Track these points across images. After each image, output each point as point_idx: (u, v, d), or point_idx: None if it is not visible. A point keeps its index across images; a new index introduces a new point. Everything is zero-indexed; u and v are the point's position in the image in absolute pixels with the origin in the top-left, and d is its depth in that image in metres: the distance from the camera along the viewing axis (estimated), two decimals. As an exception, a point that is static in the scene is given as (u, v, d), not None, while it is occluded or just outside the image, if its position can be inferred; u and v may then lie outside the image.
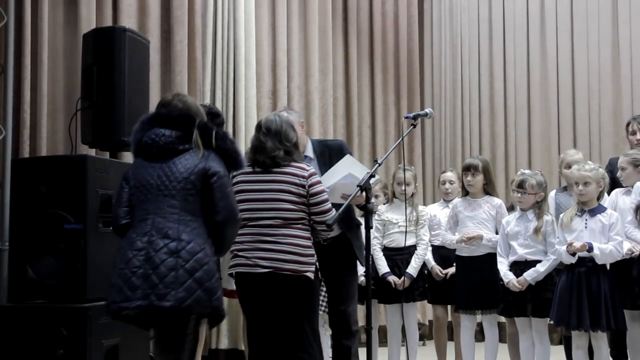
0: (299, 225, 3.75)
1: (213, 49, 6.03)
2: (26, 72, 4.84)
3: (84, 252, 3.92)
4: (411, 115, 4.01)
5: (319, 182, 3.80)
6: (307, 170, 3.79)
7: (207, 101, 5.84)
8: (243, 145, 5.89)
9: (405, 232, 5.02)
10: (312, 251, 3.76)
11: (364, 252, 4.36)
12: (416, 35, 8.42)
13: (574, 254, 4.51)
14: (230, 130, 5.99)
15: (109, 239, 4.07)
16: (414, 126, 3.98)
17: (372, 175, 3.60)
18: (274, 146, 3.76)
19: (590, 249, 4.45)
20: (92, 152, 4.92)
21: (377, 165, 3.70)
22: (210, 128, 3.47)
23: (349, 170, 3.88)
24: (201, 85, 5.84)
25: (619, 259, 4.55)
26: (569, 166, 5.06)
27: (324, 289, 4.41)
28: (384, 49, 8.12)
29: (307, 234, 3.77)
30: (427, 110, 4.10)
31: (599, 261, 4.48)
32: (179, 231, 3.27)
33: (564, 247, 4.54)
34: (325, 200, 3.77)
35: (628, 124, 5.36)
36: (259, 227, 3.74)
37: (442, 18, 8.57)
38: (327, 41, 7.30)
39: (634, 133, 5.21)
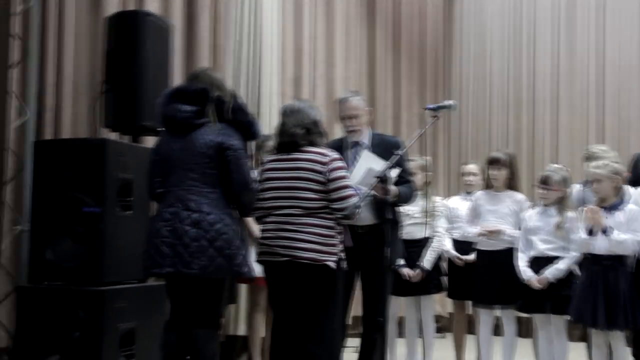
0: (322, 214, 3.71)
1: (237, 35, 5.99)
2: (50, 55, 4.84)
3: (102, 235, 3.92)
4: (433, 106, 3.93)
5: (340, 168, 3.74)
6: (329, 156, 3.74)
7: (230, 86, 5.82)
8: (267, 131, 5.87)
9: (425, 223, 4.95)
10: (335, 240, 3.72)
11: (397, 249, 4.35)
12: (442, 25, 8.36)
13: (591, 232, 4.43)
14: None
15: (127, 223, 4.09)
16: (437, 118, 3.89)
17: (392, 167, 3.55)
18: (293, 124, 3.78)
19: (606, 230, 4.39)
20: (114, 136, 4.93)
21: (397, 156, 3.66)
22: (224, 101, 3.62)
23: (367, 166, 3.84)
24: (224, 71, 5.81)
25: (632, 252, 4.47)
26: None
27: None
28: (409, 38, 8.06)
29: (330, 223, 3.72)
30: (450, 102, 4.00)
31: (612, 247, 4.40)
32: (199, 203, 3.52)
33: (582, 235, 4.49)
34: (345, 187, 3.70)
35: None
36: (282, 215, 3.74)
37: (470, 8, 8.48)
38: (352, 29, 7.26)
39: None
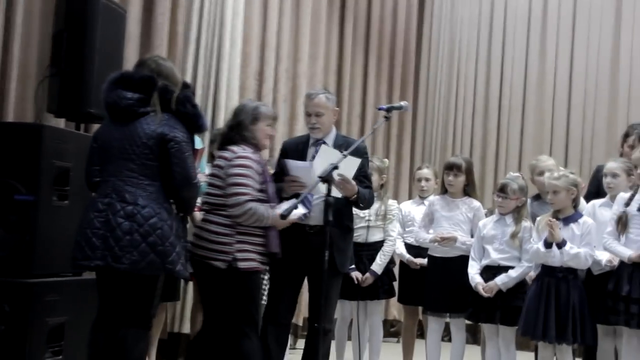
0: (220, 211, 3.70)
1: (198, 24, 5.82)
2: (-3, 34, 4.65)
3: (34, 225, 3.74)
4: (385, 107, 3.84)
5: (241, 166, 3.69)
6: (235, 153, 3.73)
7: (189, 78, 5.68)
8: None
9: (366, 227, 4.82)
10: (231, 240, 3.66)
11: (346, 255, 4.24)
12: (414, 26, 8.27)
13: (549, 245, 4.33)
14: (209, 111, 5.81)
15: (64, 213, 3.92)
16: (387, 119, 3.81)
17: (335, 167, 3.43)
18: (225, 123, 3.93)
19: (562, 244, 4.31)
20: (61, 122, 4.75)
21: (343, 156, 3.55)
22: (171, 91, 3.47)
23: (327, 162, 3.74)
24: (181, 61, 5.65)
25: (585, 267, 4.41)
26: (541, 173, 4.92)
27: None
28: (380, 37, 7.97)
29: (227, 221, 3.68)
30: (402, 103, 3.93)
31: (566, 260, 4.32)
32: (135, 195, 3.37)
33: (538, 245, 4.38)
34: (237, 184, 3.66)
35: (627, 135, 5.06)
36: (202, 211, 3.83)
37: (443, 11, 8.40)
38: (320, 25, 7.14)
39: (631, 147, 4.94)
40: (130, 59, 5.06)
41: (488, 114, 8.27)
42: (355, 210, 4.51)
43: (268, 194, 3.75)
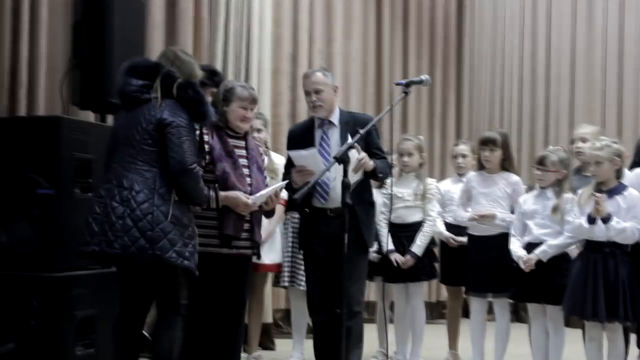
0: None
1: (226, 9, 5.73)
2: (24, 28, 4.65)
3: (56, 218, 3.73)
4: (404, 82, 3.67)
5: None
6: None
7: (219, 63, 5.61)
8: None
9: (390, 208, 4.69)
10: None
11: (372, 231, 4.15)
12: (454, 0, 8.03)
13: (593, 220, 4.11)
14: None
15: (87, 206, 3.87)
16: (406, 94, 3.64)
17: (351, 147, 3.30)
18: None
19: (607, 219, 4.07)
20: (90, 114, 4.74)
21: (358, 135, 3.41)
22: (173, 77, 3.43)
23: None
24: (209, 46, 5.58)
25: (632, 241, 4.15)
26: (573, 142, 4.68)
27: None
28: (418, 12, 7.78)
29: None
30: (422, 77, 3.73)
31: (612, 236, 4.09)
32: (132, 181, 3.33)
33: (581, 220, 4.15)
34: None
35: None
36: None
37: (484, -18, 8.14)
38: (352, 3, 6.98)
39: None
40: (155, 48, 5.03)
41: (535, 86, 8.02)
42: (394, 190, 4.55)
43: (215, 175, 3.68)
